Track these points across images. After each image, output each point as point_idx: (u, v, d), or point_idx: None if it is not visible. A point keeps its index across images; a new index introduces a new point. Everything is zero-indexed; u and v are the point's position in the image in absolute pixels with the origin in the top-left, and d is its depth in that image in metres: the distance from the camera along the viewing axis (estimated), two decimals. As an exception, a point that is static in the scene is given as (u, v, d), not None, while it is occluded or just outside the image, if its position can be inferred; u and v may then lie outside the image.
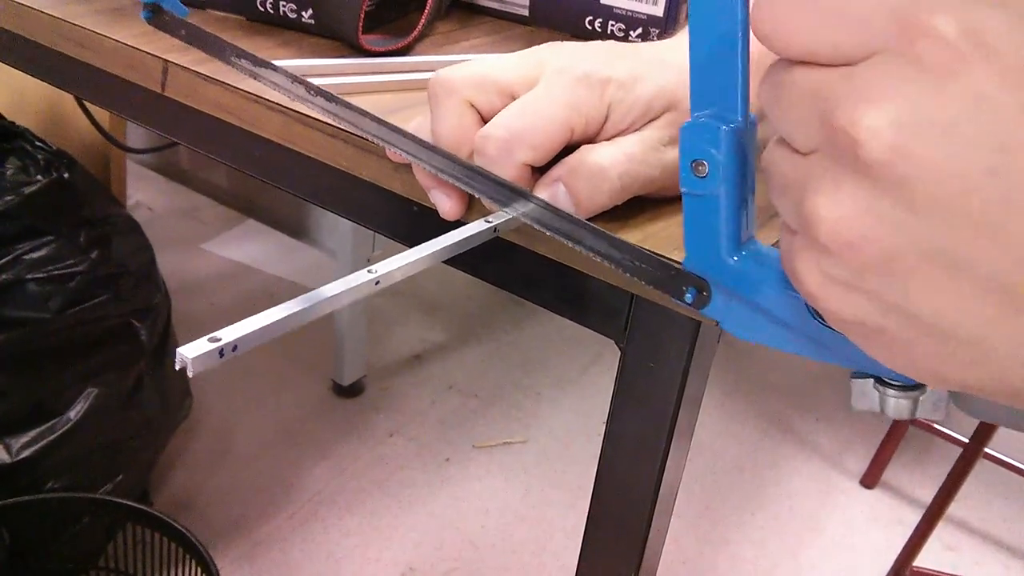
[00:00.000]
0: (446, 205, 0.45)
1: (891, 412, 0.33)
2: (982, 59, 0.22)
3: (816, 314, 0.32)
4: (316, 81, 0.48)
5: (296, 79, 0.47)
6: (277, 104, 0.52)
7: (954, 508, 1.41)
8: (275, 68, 0.48)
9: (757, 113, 0.32)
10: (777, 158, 0.27)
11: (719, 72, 0.31)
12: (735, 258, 0.34)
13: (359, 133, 0.46)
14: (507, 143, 0.41)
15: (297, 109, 0.52)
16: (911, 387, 0.33)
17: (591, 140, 0.43)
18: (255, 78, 0.49)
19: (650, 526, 0.49)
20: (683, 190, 0.33)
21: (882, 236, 0.23)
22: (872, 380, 0.33)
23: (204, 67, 0.55)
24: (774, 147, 0.27)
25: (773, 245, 0.34)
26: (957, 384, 0.25)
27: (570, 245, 0.40)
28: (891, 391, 0.33)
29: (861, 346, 0.27)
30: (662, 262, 0.37)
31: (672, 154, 0.44)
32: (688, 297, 0.36)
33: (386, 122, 0.44)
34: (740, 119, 0.32)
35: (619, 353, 0.46)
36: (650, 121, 0.43)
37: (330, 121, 0.48)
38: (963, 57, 0.22)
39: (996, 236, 0.22)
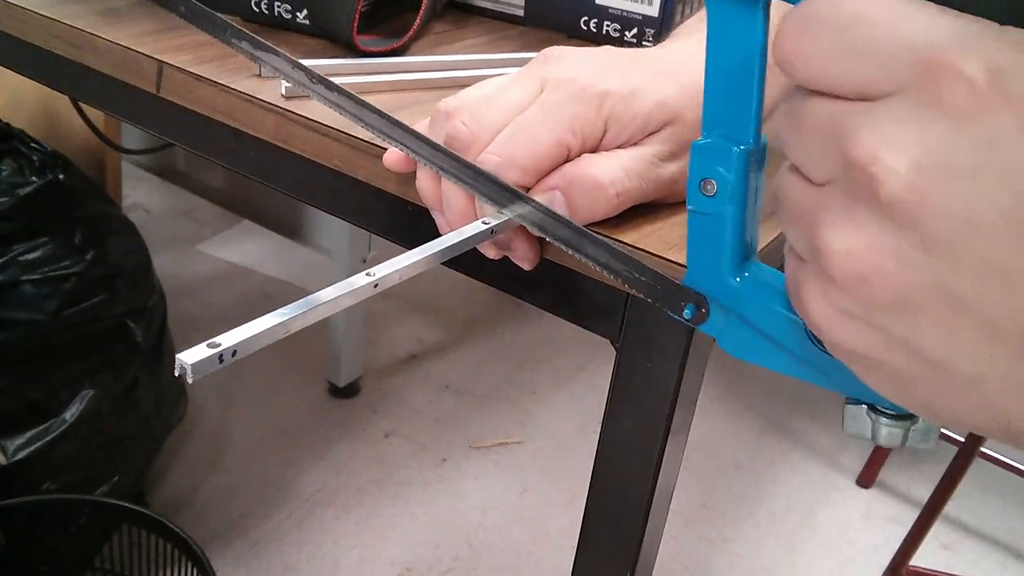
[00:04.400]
0: (446, 230, 0.45)
1: (882, 440, 0.33)
2: (1004, 104, 0.22)
3: (815, 340, 0.32)
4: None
5: (296, 64, 0.45)
6: (272, 104, 0.52)
7: (950, 507, 1.41)
8: (277, 52, 0.46)
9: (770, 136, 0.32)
10: (790, 185, 0.27)
11: (735, 94, 0.31)
12: (738, 279, 0.34)
13: (361, 123, 0.46)
14: (499, 168, 0.42)
15: (293, 110, 0.52)
16: (904, 416, 0.33)
17: (590, 152, 0.43)
18: (255, 61, 0.47)
19: (646, 524, 0.49)
20: (689, 208, 0.33)
21: (893, 273, 0.23)
22: (865, 407, 0.33)
23: (199, 68, 0.56)
24: (787, 174, 0.27)
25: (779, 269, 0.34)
26: (952, 420, 0.26)
27: (569, 252, 0.40)
28: (884, 419, 0.33)
29: (861, 376, 0.27)
30: (660, 276, 0.37)
31: (669, 169, 0.44)
32: (686, 313, 0.36)
33: (391, 117, 0.44)
34: (752, 141, 0.32)
35: (614, 353, 0.46)
36: (649, 135, 0.43)
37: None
38: (985, 101, 0.22)
39: (1007, 281, 0.22)
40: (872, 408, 0.33)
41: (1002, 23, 0.23)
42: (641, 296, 0.38)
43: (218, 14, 0.48)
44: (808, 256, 0.26)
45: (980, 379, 0.24)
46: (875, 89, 0.24)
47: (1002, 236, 0.22)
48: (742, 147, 0.32)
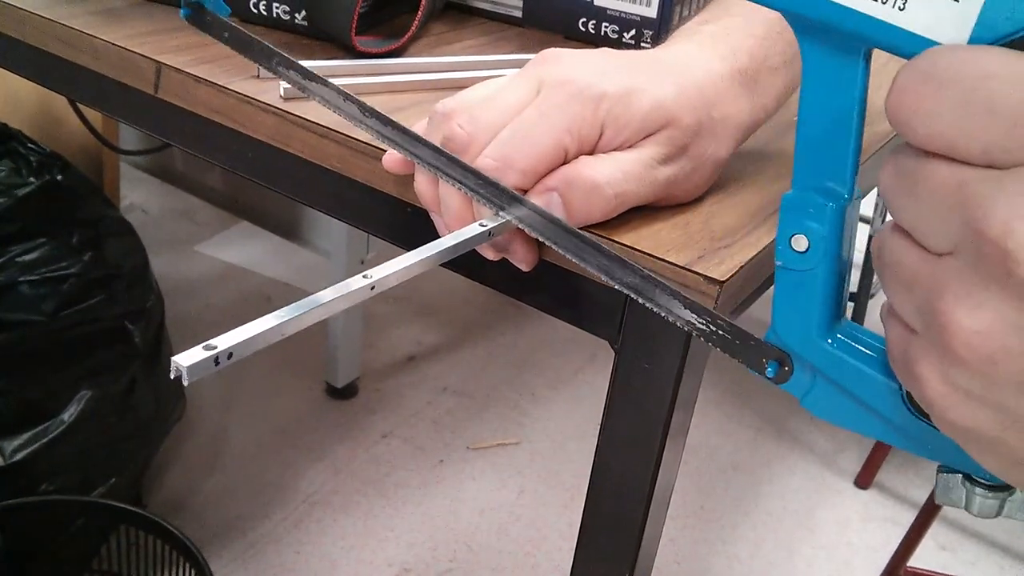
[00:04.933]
0: (445, 232, 0.45)
1: (976, 510, 0.31)
2: None
3: (912, 407, 0.30)
4: (309, 83, 0.48)
5: (348, 97, 0.45)
6: (270, 105, 0.52)
7: (948, 508, 1.41)
8: (327, 84, 0.45)
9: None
10: (899, 250, 0.26)
11: (831, 146, 0.30)
12: (829, 339, 0.32)
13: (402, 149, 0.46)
14: (497, 171, 0.42)
15: (291, 111, 0.52)
16: (1001, 487, 0.31)
17: (587, 154, 0.43)
18: (302, 91, 0.47)
19: (645, 526, 0.49)
20: (777, 263, 0.32)
21: (1021, 353, 0.23)
22: (960, 476, 0.31)
23: (197, 69, 0.55)
24: (895, 237, 0.26)
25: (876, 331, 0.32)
26: None
27: (616, 286, 0.39)
28: (979, 489, 0.30)
29: (971, 452, 0.26)
30: (740, 330, 0.36)
31: (665, 172, 0.44)
32: (769, 371, 0.35)
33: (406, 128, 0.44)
34: (847, 196, 0.30)
35: (613, 354, 0.46)
36: (646, 137, 0.43)
37: (373, 139, 0.47)
38: None
39: None
40: (967, 477, 0.31)
41: None
42: (717, 349, 0.37)
43: (264, 42, 0.47)
44: (924, 330, 0.25)
45: None
46: (1004, 155, 0.22)
47: None
48: (838, 203, 0.30)
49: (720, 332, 0.36)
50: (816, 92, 0.30)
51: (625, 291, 0.39)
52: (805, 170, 0.31)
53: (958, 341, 0.23)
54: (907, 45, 0.26)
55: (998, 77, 0.22)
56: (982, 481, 0.31)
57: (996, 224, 0.22)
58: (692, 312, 0.37)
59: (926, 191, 0.24)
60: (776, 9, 0.30)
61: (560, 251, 0.41)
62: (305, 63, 0.55)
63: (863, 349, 0.32)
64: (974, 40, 0.25)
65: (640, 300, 0.38)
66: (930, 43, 0.25)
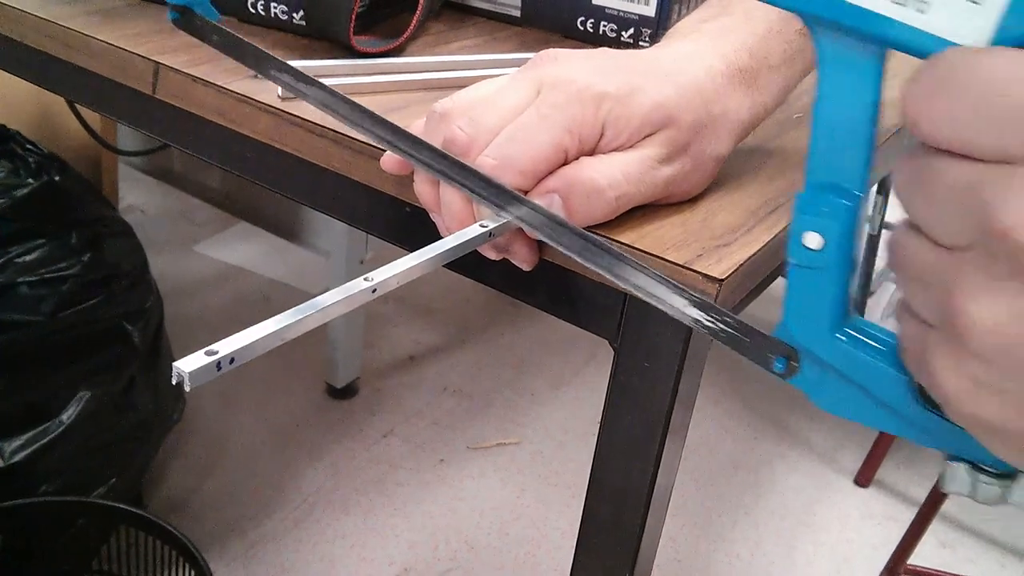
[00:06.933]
0: (446, 232, 0.45)
1: (981, 497, 0.31)
2: None
3: (922, 400, 0.31)
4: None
5: (343, 98, 0.45)
6: (268, 105, 0.52)
7: (948, 505, 1.41)
8: (322, 87, 0.45)
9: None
10: (913, 246, 0.26)
11: (845, 145, 0.30)
12: (840, 335, 0.33)
13: (381, 143, 0.46)
14: (495, 170, 0.41)
15: (289, 111, 0.52)
16: (1006, 475, 0.31)
17: (587, 155, 0.43)
18: (297, 95, 0.47)
19: (645, 525, 0.49)
20: (791, 261, 0.32)
21: None
22: (966, 464, 0.31)
23: (195, 69, 0.55)
24: (910, 235, 0.26)
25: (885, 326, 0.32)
26: None
27: (619, 285, 0.39)
28: (984, 476, 0.31)
29: (985, 442, 0.26)
30: (748, 327, 0.36)
31: (666, 172, 0.44)
32: (777, 366, 0.35)
33: (400, 128, 0.44)
34: (860, 194, 0.31)
35: (613, 353, 0.46)
36: (646, 137, 0.43)
37: (371, 141, 0.47)
38: None
39: None
40: (973, 466, 0.32)
41: None
42: (723, 345, 0.37)
43: (257, 46, 0.47)
44: (939, 323, 0.25)
45: None
46: (1019, 153, 0.23)
47: None
48: (851, 201, 0.31)
49: (727, 328, 0.36)
50: (831, 93, 0.30)
51: (629, 290, 0.39)
52: (819, 169, 0.31)
53: (973, 335, 0.24)
54: (927, 47, 0.26)
55: (1015, 79, 0.23)
56: (988, 469, 0.31)
57: (1009, 219, 0.22)
58: (699, 309, 0.37)
59: (940, 189, 0.24)
60: (792, 11, 0.30)
61: (562, 251, 0.41)
62: (303, 63, 0.55)
63: (873, 344, 0.32)
64: (995, 44, 0.25)
65: (644, 298, 0.39)
66: (950, 46, 0.25)
